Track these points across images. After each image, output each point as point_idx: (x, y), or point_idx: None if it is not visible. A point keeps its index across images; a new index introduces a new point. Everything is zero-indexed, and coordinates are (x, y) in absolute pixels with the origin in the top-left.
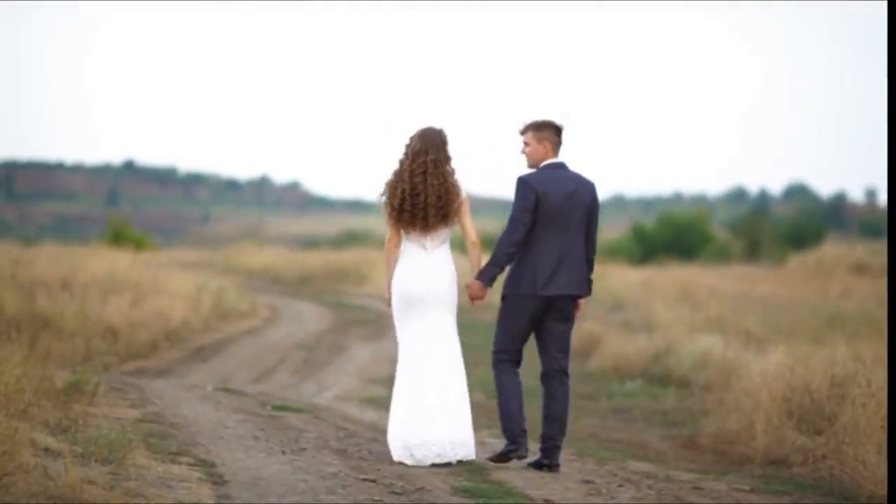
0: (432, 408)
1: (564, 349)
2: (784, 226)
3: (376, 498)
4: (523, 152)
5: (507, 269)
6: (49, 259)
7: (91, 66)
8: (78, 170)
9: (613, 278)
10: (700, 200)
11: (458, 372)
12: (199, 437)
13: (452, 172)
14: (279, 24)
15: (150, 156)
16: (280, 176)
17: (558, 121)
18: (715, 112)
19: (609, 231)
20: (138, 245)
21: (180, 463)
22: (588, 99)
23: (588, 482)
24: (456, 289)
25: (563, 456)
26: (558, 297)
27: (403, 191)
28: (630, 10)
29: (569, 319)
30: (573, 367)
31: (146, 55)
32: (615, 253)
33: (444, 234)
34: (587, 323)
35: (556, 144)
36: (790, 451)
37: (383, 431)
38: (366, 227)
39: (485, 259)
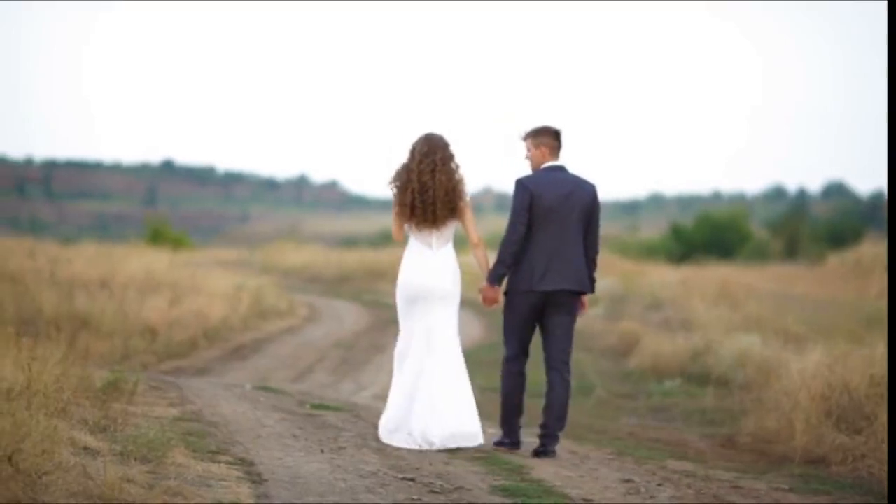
0: (431, 400)
1: (565, 343)
2: (823, 225)
3: (415, 497)
4: (526, 157)
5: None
6: (88, 258)
7: (130, 66)
8: (116, 169)
9: (652, 277)
10: (738, 199)
11: (457, 367)
12: (238, 436)
13: (458, 169)
14: (320, 24)
15: (189, 155)
16: (318, 175)
17: (556, 126)
18: (754, 110)
19: (647, 230)
20: (177, 244)
21: (219, 462)
22: (628, 98)
23: (627, 481)
24: (459, 287)
25: (601, 455)
26: (555, 293)
27: (413, 189)
28: (671, 10)
29: (569, 314)
30: (611, 366)
31: (186, 54)
32: (654, 252)
33: (450, 233)
34: (626, 322)
35: (554, 148)
36: (829, 450)
37: None
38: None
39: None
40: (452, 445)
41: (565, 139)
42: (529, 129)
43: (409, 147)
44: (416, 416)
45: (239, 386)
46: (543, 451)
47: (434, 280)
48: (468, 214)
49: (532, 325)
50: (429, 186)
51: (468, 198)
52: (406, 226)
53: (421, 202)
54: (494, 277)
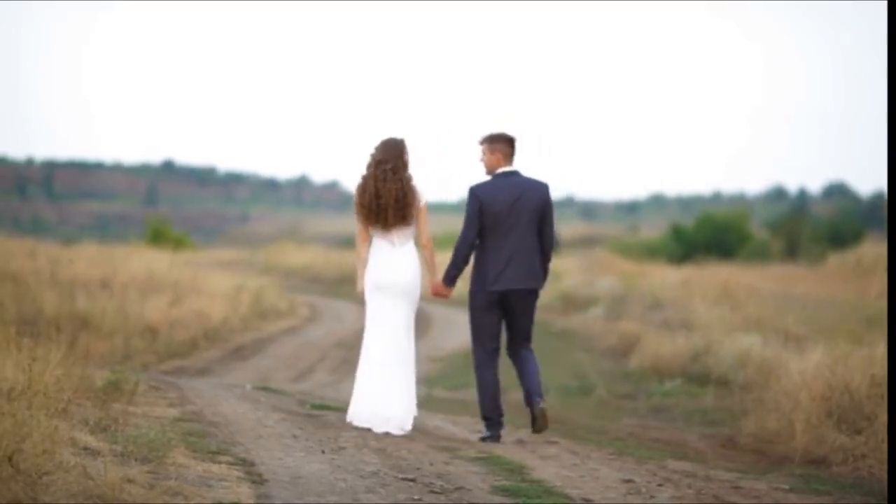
0: (387, 386)
1: (527, 331)
2: (823, 225)
3: (416, 497)
4: (481, 161)
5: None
6: (89, 259)
7: (130, 66)
8: (117, 169)
9: (653, 278)
10: (739, 200)
11: (407, 357)
12: (239, 436)
13: (410, 179)
14: (319, 24)
15: (190, 155)
16: (319, 175)
17: (511, 133)
18: (754, 110)
19: (648, 230)
20: (177, 244)
21: (220, 462)
22: (628, 98)
23: (627, 481)
24: (419, 281)
25: (602, 455)
26: (511, 291)
27: (370, 194)
28: (671, 10)
29: (527, 310)
30: (612, 367)
31: (186, 54)
32: (654, 252)
33: (409, 232)
34: (626, 322)
35: (508, 155)
36: (830, 450)
37: (422, 430)
38: None
39: (441, 258)
40: (397, 432)
41: (566, 140)
42: (486, 134)
43: (371, 150)
44: (373, 400)
45: (239, 386)
46: (538, 427)
47: (395, 275)
48: (422, 218)
49: (497, 320)
50: (381, 193)
51: (423, 202)
52: (370, 227)
53: (375, 207)
54: (449, 278)
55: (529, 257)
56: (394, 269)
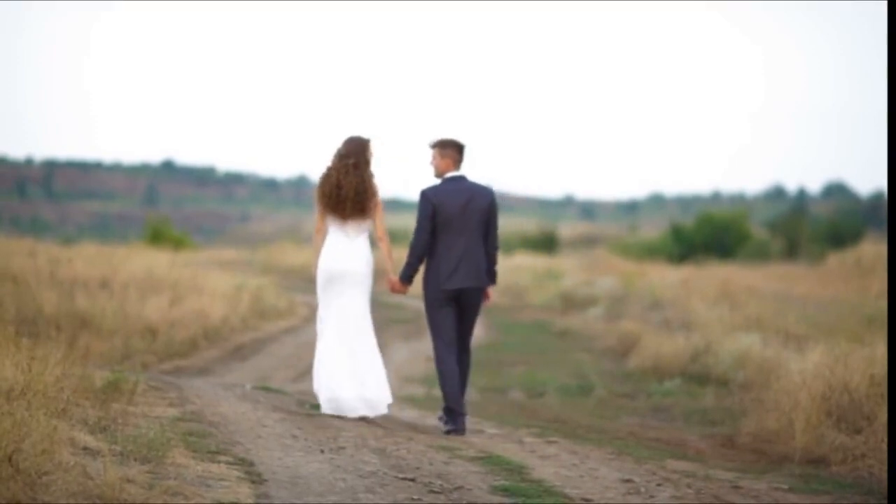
0: (344, 370)
1: (468, 330)
2: (823, 224)
3: (415, 497)
4: (431, 164)
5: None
6: (88, 258)
7: (130, 65)
8: (117, 169)
9: (652, 277)
10: (739, 199)
11: (368, 341)
12: (238, 436)
13: (371, 176)
14: (319, 24)
15: (189, 155)
16: (318, 175)
17: (461, 140)
18: (755, 110)
19: (648, 230)
20: (177, 244)
21: (219, 462)
22: (628, 97)
23: (627, 481)
24: (371, 272)
25: (601, 454)
26: (462, 289)
27: (332, 184)
28: (671, 10)
29: (474, 306)
30: (611, 366)
31: (186, 54)
32: (654, 252)
33: (364, 225)
34: (626, 322)
35: (457, 161)
36: (829, 450)
37: (422, 430)
38: (403, 225)
39: (397, 251)
40: (368, 413)
41: (565, 140)
42: (437, 139)
43: (337, 144)
44: (333, 385)
45: (239, 386)
46: (454, 430)
47: (348, 264)
48: (378, 212)
49: (451, 314)
50: (342, 185)
51: (378, 198)
52: (327, 217)
53: (336, 197)
54: (405, 276)
55: (478, 257)
56: (345, 257)
